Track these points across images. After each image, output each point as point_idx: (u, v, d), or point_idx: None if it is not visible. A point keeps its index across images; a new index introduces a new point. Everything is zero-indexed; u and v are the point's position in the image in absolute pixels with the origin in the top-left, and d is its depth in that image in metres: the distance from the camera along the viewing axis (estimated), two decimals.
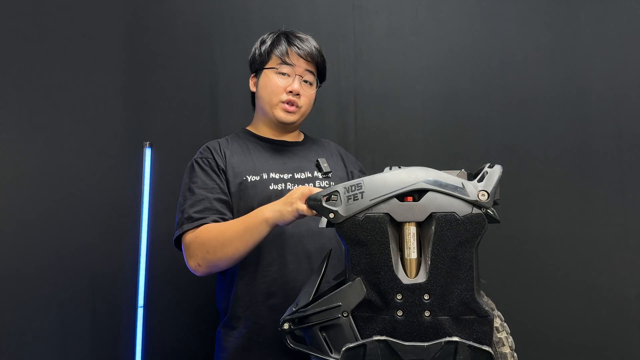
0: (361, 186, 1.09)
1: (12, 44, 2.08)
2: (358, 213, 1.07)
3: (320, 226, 1.17)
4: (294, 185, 1.55)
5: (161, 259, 2.05)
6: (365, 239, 1.07)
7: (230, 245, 1.40)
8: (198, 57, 2.18)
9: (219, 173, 1.57)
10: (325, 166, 1.61)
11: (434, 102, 2.19)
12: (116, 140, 2.11)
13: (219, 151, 1.61)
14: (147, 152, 1.87)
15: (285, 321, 1.11)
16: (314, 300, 1.11)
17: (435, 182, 1.07)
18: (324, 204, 1.10)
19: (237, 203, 1.54)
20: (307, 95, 1.64)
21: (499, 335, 1.14)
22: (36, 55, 2.09)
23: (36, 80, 2.08)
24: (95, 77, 2.12)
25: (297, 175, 1.60)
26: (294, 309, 1.12)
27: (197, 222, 1.48)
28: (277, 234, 1.51)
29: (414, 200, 1.08)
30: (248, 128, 1.74)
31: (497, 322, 1.15)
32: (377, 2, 2.22)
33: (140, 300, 1.83)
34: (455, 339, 1.01)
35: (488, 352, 1.01)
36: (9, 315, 1.98)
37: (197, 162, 1.59)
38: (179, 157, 2.10)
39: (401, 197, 1.08)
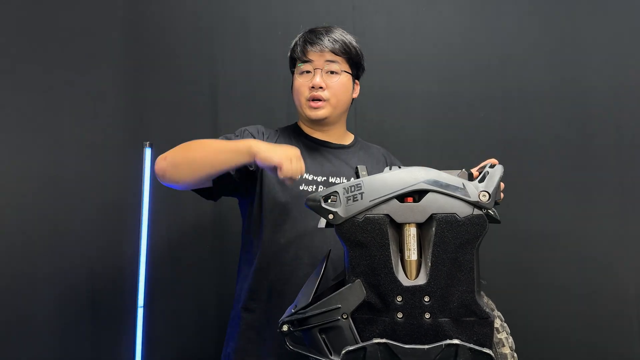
0: (361, 187, 1.08)
1: (12, 44, 2.07)
2: (358, 214, 1.06)
3: (319, 226, 1.16)
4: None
5: (161, 259, 2.05)
6: (365, 240, 1.05)
7: (205, 149, 1.43)
8: (198, 57, 2.17)
9: None
10: (363, 174, 1.59)
11: (434, 102, 2.18)
12: (116, 140, 2.11)
13: (265, 135, 1.64)
14: (147, 152, 1.86)
15: (284, 323, 1.10)
16: (313, 301, 1.10)
17: (436, 183, 1.06)
18: (323, 205, 1.08)
19: (267, 195, 1.55)
20: (332, 85, 1.61)
21: (499, 335, 1.14)
22: (36, 55, 2.09)
23: (36, 80, 2.08)
24: (95, 76, 2.12)
25: (331, 179, 1.59)
26: (292, 310, 1.11)
27: None
28: (300, 234, 1.52)
29: (414, 200, 1.07)
30: (298, 123, 1.74)
31: (497, 323, 1.14)
32: (377, 2, 2.22)
33: (140, 300, 1.82)
34: (456, 341, 1.00)
35: (489, 354, 1.00)
36: (9, 315, 1.98)
37: (243, 129, 1.63)
38: None
39: (401, 197, 1.07)
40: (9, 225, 2.01)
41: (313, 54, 1.60)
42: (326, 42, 1.60)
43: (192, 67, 2.17)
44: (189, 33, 2.18)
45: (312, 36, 1.62)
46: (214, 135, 2.12)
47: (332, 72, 1.61)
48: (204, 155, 1.42)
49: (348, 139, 1.75)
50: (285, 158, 1.32)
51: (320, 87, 1.59)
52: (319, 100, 1.60)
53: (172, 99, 2.15)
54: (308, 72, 1.61)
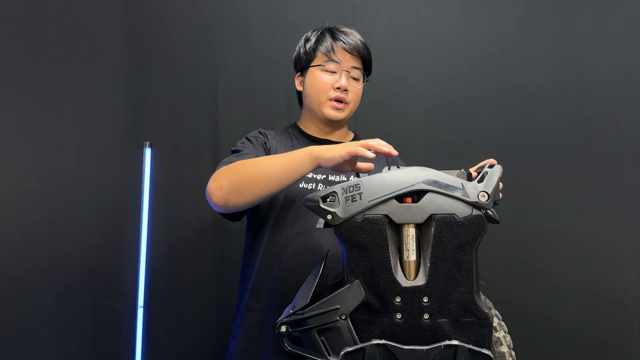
0: (359, 187, 1.07)
1: (12, 44, 2.07)
2: (356, 214, 1.06)
3: (317, 226, 1.16)
4: (325, 187, 1.50)
5: (161, 259, 2.06)
6: (364, 241, 1.05)
7: (264, 168, 1.35)
8: (198, 57, 2.17)
9: (267, 148, 1.58)
10: None
11: (434, 102, 2.18)
12: (116, 140, 2.11)
13: (268, 137, 1.62)
14: (147, 152, 1.86)
15: (282, 324, 1.10)
16: (312, 302, 1.10)
17: (435, 183, 1.05)
18: (322, 205, 1.07)
19: None
20: (355, 90, 1.62)
21: (496, 334, 1.13)
22: (36, 55, 2.08)
23: (36, 80, 2.08)
24: (95, 77, 2.12)
25: (331, 177, 1.58)
26: (291, 311, 1.10)
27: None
28: (300, 232, 1.52)
29: (413, 201, 1.06)
30: (297, 123, 1.73)
31: (495, 322, 1.13)
32: (377, 2, 2.21)
33: (140, 300, 1.82)
34: (455, 342, 1.00)
35: (488, 355, 1.00)
36: (9, 315, 1.98)
37: (247, 137, 1.61)
38: (179, 157, 2.11)
39: (400, 198, 1.06)
40: (9, 225, 2.01)
41: (344, 54, 1.59)
42: (358, 44, 1.60)
43: (192, 67, 2.17)
44: (189, 33, 2.18)
45: (344, 36, 1.60)
46: (214, 135, 2.13)
47: (354, 78, 1.62)
48: (266, 174, 1.35)
49: (348, 137, 1.75)
50: (353, 146, 1.24)
51: (345, 90, 1.59)
52: (341, 102, 1.61)
53: (172, 99, 2.15)
54: (332, 71, 1.60)
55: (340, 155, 1.23)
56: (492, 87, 2.17)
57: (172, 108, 2.14)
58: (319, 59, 1.61)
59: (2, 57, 2.06)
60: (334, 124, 1.66)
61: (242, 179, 1.36)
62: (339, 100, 1.60)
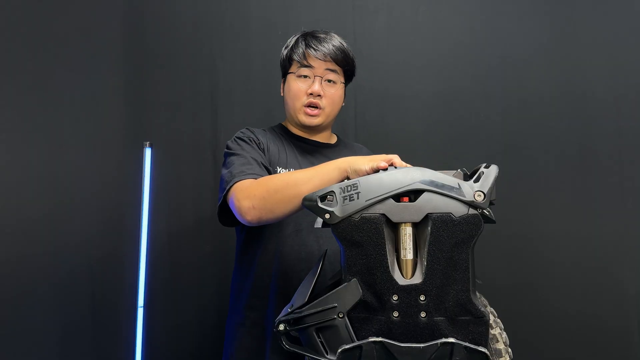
0: (357, 186, 1.08)
1: (12, 43, 2.08)
2: (354, 214, 1.06)
3: (315, 226, 1.17)
4: None
5: (161, 259, 2.06)
6: (361, 239, 1.05)
7: (296, 187, 1.32)
8: (198, 57, 2.18)
9: (261, 148, 1.57)
10: None
11: (434, 102, 2.18)
12: (116, 140, 2.11)
13: (258, 134, 1.62)
14: (147, 152, 1.87)
15: (280, 322, 1.11)
16: (310, 300, 1.10)
17: (432, 183, 1.06)
18: (319, 205, 1.08)
19: None
20: (329, 95, 1.62)
21: (492, 331, 1.14)
22: (36, 55, 2.09)
23: (36, 80, 2.08)
24: (96, 76, 2.13)
25: None
26: (289, 310, 1.11)
27: (252, 175, 1.43)
28: (298, 229, 1.53)
29: (410, 200, 1.07)
30: (283, 124, 1.74)
31: (490, 319, 1.14)
32: (377, 2, 2.22)
33: (140, 300, 1.83)
34: (451, 340, 1.00)
35: (484, 353, 1.00)
36: (9, 315, 1.99)
37: (238, 137, 1.59)
38: (179, 157, 2.11)
39: (397, 197, 1.07)
40: (8, 225, 2.01)
41: (315, 60, 1.59)
42: (330, 49, 1.60)
43: (192, 67, 2.17)
44: (189, 33, 2.19)
45: (316, 42, 1.60)
46: (214, 135, 2.13)
47: (329, 81, 1.62)
48: (298, 193, 1.32)
49: (333, 139, 1.77)
50: (377, 161, 1.26)
51: (319, 95, 1.60)
52: (316, 107, 1.61)
53: (172, 99, 2.16)
54: (306, 77, 1.60)
55: (366, 170, 1.25)
56: (492, 87, 2.18)
57: (172, 108, 2.15)
58: (293, 66, 1.63)
59: (2, 57, 2.06)
60: (312, 129, 1.67)
61: (275, 199, 1.35)
62: (314, 106, 1.60)
